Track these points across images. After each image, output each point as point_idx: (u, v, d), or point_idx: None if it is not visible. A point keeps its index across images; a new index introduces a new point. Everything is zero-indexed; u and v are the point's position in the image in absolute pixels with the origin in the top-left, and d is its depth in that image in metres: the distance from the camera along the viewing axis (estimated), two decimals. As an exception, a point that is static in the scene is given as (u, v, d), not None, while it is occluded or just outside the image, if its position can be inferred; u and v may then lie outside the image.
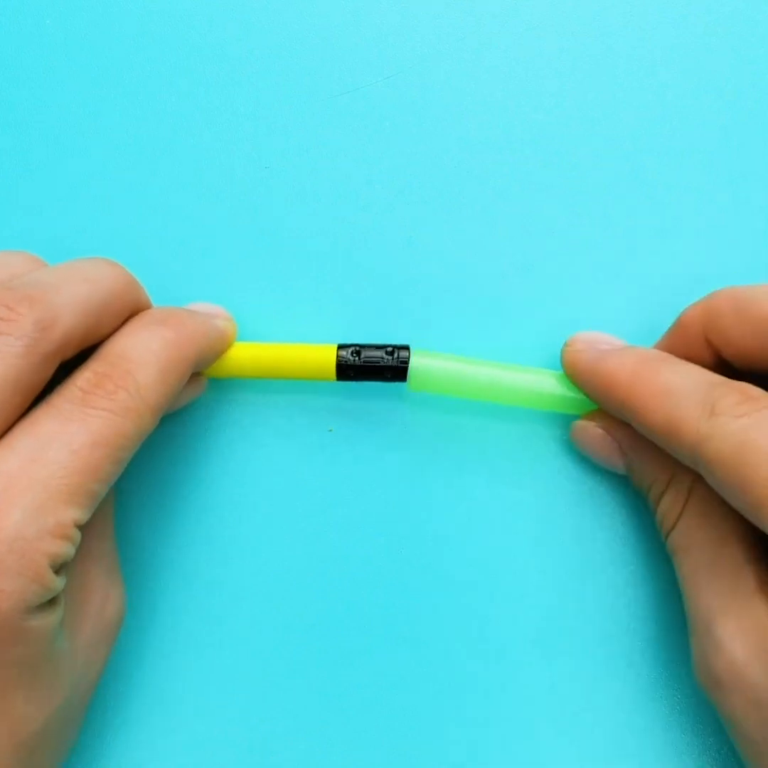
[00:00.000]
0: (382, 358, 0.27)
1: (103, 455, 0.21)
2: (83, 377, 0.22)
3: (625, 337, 0.29)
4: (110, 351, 0.23)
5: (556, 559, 0.28)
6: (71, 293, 0.23)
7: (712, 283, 0.30)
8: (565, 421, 0.28)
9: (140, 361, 0.23)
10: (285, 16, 0.32)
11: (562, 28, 0.32)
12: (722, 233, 0.30)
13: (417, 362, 0.27)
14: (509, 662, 0.27)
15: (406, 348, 0.27)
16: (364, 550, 0.28)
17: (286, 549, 0.28)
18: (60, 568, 0.21)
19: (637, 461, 0.26)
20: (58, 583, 0.21)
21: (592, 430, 0.27)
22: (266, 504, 0.28)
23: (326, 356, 0.27)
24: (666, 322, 0.30)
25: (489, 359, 0.28)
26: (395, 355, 0.27)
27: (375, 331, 0.30)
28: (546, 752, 0.27)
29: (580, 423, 0.27)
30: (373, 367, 0.27)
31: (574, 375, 0.27)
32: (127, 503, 0.28)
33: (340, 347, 0.27)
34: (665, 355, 0.26)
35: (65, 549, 0.21)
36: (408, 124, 0.31)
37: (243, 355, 0.28)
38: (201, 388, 0.27)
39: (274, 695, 0.27)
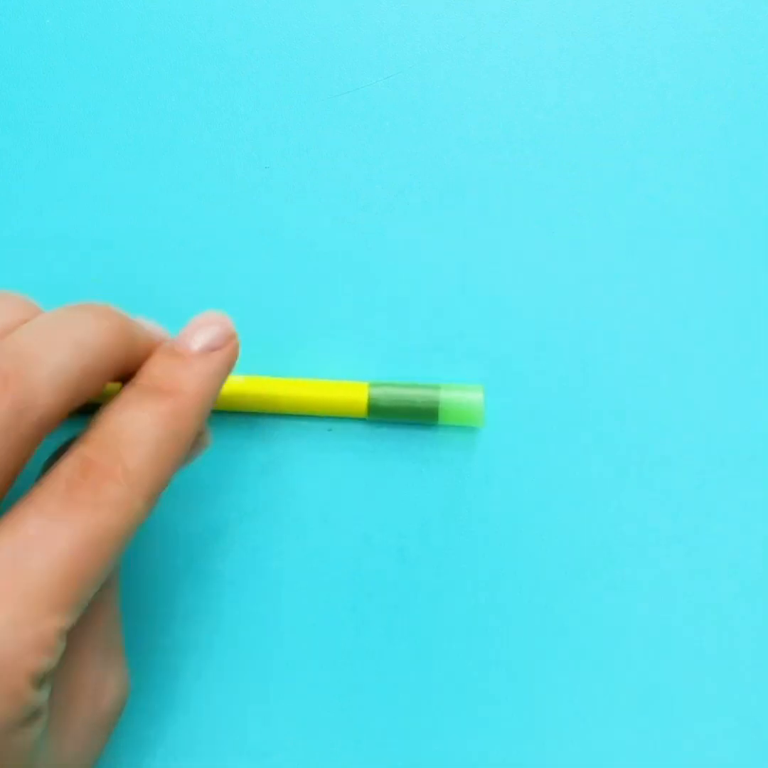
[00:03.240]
0: (414, 400, 0.28)
1: (89, 558, 0.19)
2: (70, 466, 0.20)
3: (621, 336, 0.29)
4: (99, 431, 0.21)
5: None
6: (53, 364, 0.20)
7: (713, 282, 0.30)
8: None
9: (132, 441, 0.21)
10: (285, 16, 0.32)
11: (562, 28, 0.32)
12: (722, 233, 0.30)
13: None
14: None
15: (437, 388, 0.28)
16: (363, 551, 0.28)
17: (285, 548, 0.28)
18: (42, 680, 0.19)
19: None
20: (41, 696, 0.19)
21: None
22: (265, 503, 0.28)
23: (358, 396, 0.28)
24: (668, 321, 0.30)
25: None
26: (426, 397, 0.28)
27: (373, 332, 0.30)
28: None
29: None
30: (405, 409, 0.28)
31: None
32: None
33: (373, 386, 0.28)
34: None
35: (47, 662, 0.19)
36: (408, 124, 0.31)
37: (268, 391, 0.28)
38: (207, 442, 0.25)
39: (276, 701, 0.27)
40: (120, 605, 0.24)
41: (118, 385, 0.24)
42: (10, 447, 0.20)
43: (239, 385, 0.28)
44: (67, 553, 0.19)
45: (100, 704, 0.22)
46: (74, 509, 0.20)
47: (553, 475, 0.28)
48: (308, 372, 0.29)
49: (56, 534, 0.19)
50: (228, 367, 0.24)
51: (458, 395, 0.28)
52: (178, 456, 0.22)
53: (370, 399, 0.28)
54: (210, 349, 0.24)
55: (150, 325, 0.25)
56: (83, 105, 0.32)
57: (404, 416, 0.28)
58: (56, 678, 0.21)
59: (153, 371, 0.23)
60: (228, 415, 0.29)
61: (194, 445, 0.24)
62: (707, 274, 0.30)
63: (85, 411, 0.23)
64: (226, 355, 0.24)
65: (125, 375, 0.23)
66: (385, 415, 0.28)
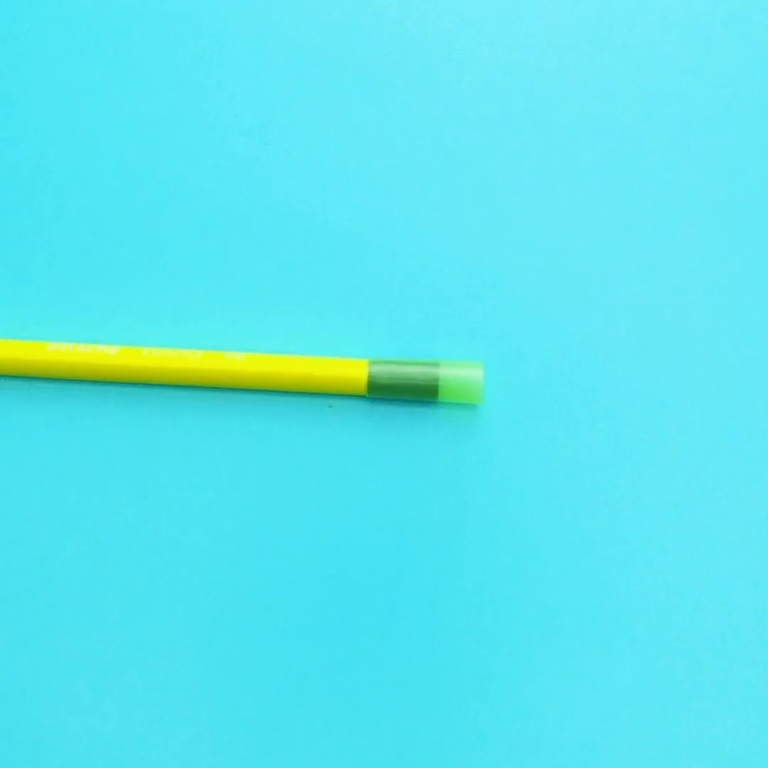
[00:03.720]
0: (414, 377, 0.28)
1: None
2: None
3: (621, 313, 0.29)
4: None
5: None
6: None
7: (715, 256, 0.30)
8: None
9: None
10: (284, -11, 0.32)
11: (563, 3, 0.32)
12: (724, 207, 0.30)
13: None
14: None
15: (437, 366, 0.28)
16: (362, 527, 0.28)
17: (284, 523, 0.28)
18: None
19: None
20: None
21: None
22: (264, 479, 0.28)
23: (358, 373, 0.28)
24: (669, 298, 0.30)
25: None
26: (426, 374, 0.28)
27: (373, 309, 0.30)
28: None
29: None
30: (405, 386, 0.28)
31: None
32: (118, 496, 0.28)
33: (373, 363, 0.28)
34: None
35: None
36: (407, 98, 0.31)
37: (269, 368, 0.28)
38: None
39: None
40: None
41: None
42: None
43: (239, 362, 0.28)
44: None
45: None
46: None
47: (553, 452, 0.28)
48: (308, 349, 0.29)
49: None
50: None
51: (458, 372, 0.28)
52: None
53: (370, 376, 0.28)
54: None
55: None
56: (77, 79, 0.31)
57: (404, 393, 0.28)
58: None
59: None
60: (228, 392, 0.29)
61: None
62: (709, 249, 0.30)
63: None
64: None
65: None
66: (385, 392, 0.28)
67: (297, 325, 0.30)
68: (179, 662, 0.27)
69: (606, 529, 0.28)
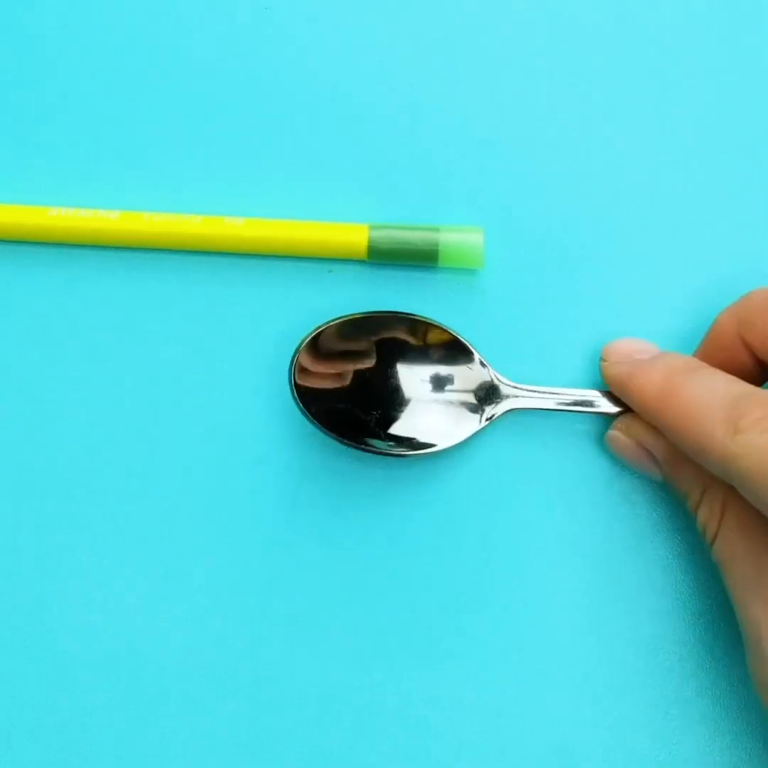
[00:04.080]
0: (414, 242, 0.28)
1: None
2: None
3: (619, 178, 0.29)
4: None
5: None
6: None
7: (715, 128, 0.29)
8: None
9: None
10: None
11: None
12: (727, 75, 0.30)
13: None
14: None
15: (437, 230, 0.28)
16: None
17: (282, 386, 0.28)
18: None
19: (669, 472, 0.26)
20: None
21: (624, 440, 0.26)
22: (264, 344, 0.28)
23: (358, 238, 0.28)
24: (667, 163, 0.29)
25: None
26: (426, 239, 0.28)
27: (374, 175, 0.29)
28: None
29: (613, 433, 0.27)
30: (405, 251, 0.28)
31: (611, 388, 0.27)
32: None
33: (373, 228, 0.28)
34: (693, 364, 0.25)
35: None
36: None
37: (269, 233, 0.28)
38: None
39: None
40: None
41: None
42: None
43: (239, 227, 0.28)
44: None
45: None
46: None
47: (550, 316, 0.28)
48: (309, 214, 0.29)
49: None
50: None
51: (458, 237, 0.28)
52: None
53: (370, 241, 0.28)
54: None
55: None
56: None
57: (404, 258, 0.28)
58: None
59: None
60: (228, 257, 0.29)
61: None
62: (707, 120, 0.30)
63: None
64: None
65: None
66: (385, 257, 0.28)
67: (297, 190, 0.29)
68: (181, 515, 0.28)
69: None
